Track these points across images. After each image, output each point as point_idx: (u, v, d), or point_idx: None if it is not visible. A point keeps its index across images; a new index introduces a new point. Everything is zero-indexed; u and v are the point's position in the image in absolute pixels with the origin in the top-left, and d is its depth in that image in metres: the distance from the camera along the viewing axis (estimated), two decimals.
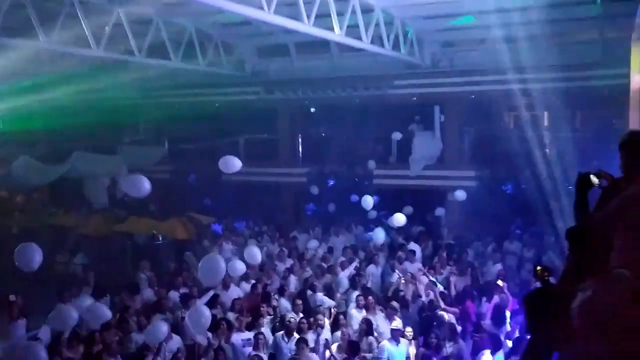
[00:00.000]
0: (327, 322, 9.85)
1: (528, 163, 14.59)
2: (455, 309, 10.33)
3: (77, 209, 18.51)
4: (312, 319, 9.62)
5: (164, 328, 8.70)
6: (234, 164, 12.09)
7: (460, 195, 15.57)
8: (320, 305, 10.41)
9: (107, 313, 9.18)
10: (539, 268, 3.58)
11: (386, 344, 9.06)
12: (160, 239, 16.40)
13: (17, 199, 20.49)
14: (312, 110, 20.21)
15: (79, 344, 8.28)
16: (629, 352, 2.88)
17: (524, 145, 14.73)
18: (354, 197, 16.21)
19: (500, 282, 11.23)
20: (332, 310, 10.47)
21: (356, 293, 11.11)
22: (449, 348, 8.90)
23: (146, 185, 10.40)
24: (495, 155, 15.88)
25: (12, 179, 15.51)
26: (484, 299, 10.94)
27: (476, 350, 8.82)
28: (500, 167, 15.80)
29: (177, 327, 9.72)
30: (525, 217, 14.79)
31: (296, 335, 9.05)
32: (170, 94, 20.17)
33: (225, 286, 11.37)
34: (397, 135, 17.65)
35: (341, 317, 9.83)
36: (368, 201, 14.77)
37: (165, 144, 21.11)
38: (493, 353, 8.48)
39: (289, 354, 8.86)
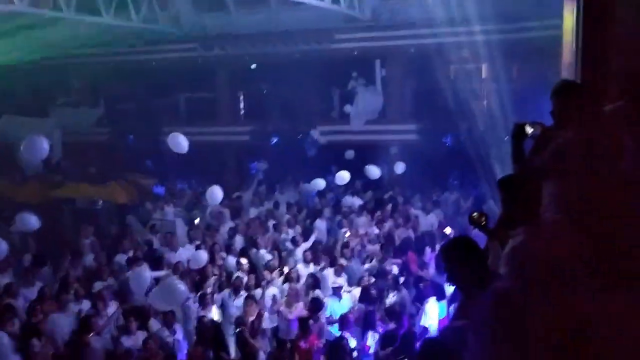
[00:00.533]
0: (276, 278, 9.94)
1: (467, 115, 14.87)
2: (398, 260, 10.56)
3: (9, 175, 17.74)
4: (257, 276, 9.69)
5: (146, 273, 8.61)
6: (182, 143, 11.60)
7: (400, 167, 15.77)
8: (267, 262, 10.46)
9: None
10: (475, 214, 3.67)
11: (328, 300, 9.22)
12: (101, 203, 15.99)
13: None
14: (253, 66, 19.83)
15: (14, 316, 7.97)
16: (554, 296, 3.01)
17: (463, 97, 14.98)
18: (300, 154, 16.16)
19: (448, 230, 11.59)
20: (283, 267, 10.48)
21: (302, 249, 11.21)
22: (392, 297, 9.14)
23: (45, 146, 9.90)
24: (436, 108, 16.09)
25: None
26: (428, 248, 11.21)
27: (420, 299, 9.08)
28: (440, 119, 16.03)
29: (122, 291, 9.62)
30: (465, 168, 15.15)
31: (243, 293, 9.10)
32: (104, 53, 19.34)
33: (172, 248, 11.30)
34: (347, 108, 17.50)
35: (292, 272, 9.87)
36: (344, 176, 14.59)
37: (101, 104, 20.34)
38: (438, 300, 8.75)
39: (237, 312, 8.90)
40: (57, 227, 15.55)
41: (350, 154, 16.40)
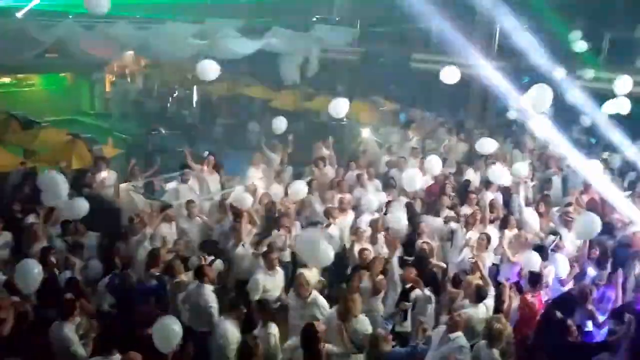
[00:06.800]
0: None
1: None
2: None
3: (270, 83, 19.51)
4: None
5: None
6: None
7: None
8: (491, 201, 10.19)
9: None
10: None
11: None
12: (345, 119, 16.81)
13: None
14: None
15: None
16: None
17: None
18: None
19: None
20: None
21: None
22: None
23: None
24: None
25: (213, 48, 16.53)
26: None
27: None
28: None
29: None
30: None
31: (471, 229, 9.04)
32: None
33: (400, 169, 11.81)
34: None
35: (512, 218, 9.46)
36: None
37: (357, 25, 20.95)
38: None
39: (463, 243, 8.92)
40: (303, 135, 16.86)
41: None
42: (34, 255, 7.43)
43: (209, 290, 6.91)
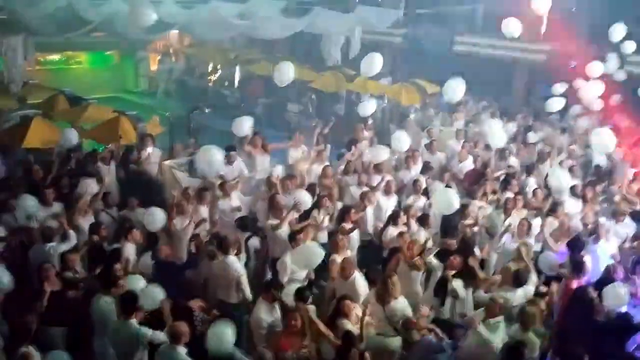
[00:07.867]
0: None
1: None
2: None
3: (311, 63, 19.41)
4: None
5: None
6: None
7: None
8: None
9: None
10: None
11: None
12: (386, 101, 16.68)
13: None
14: None
15: None
16: None
17: None
18: None
19: None
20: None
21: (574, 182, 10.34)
22: None
23: None
24: None
25: (253, 28, 16.48)
26: None
27: None
28: None
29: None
30: None
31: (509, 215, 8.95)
32: None
33: (432, 152, 12.05)
34: None
35: (559, 209, 9.30)
36: None
37: (401, 6, 20.63)
38: None
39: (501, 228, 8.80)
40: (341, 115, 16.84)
41: None
42: (81, 228, 7.71)
43: (232, 260, 7.04)
